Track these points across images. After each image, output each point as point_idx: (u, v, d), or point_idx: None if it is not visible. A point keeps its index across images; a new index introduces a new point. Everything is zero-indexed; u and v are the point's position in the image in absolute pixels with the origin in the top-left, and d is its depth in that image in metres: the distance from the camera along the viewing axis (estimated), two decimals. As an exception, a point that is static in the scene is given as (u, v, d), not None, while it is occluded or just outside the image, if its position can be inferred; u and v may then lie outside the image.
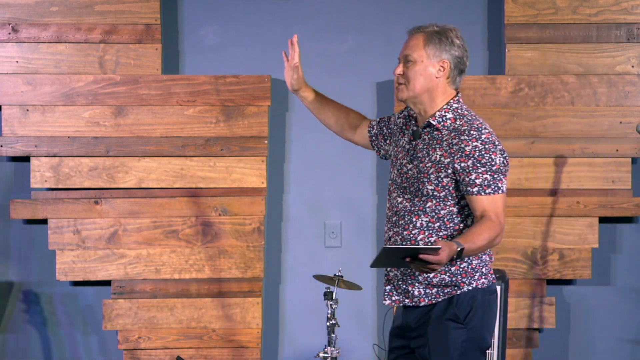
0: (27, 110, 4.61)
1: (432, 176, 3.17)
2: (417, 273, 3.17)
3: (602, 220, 4.69)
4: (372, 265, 3.05)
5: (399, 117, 3.39)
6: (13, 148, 4.61)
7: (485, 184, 3.13)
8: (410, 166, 3.22)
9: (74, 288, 4.71)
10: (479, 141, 3.14)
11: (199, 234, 4.64)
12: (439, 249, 2.90)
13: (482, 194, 3.13)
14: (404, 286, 3.22)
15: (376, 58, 4.70)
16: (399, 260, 2.95)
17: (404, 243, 3.18)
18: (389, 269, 3.25)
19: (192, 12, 4.73)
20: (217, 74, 4.65)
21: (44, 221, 4.64)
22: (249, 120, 4.64)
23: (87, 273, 4.63)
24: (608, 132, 4.64)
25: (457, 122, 3.20)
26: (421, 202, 3.19)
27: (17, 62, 4.62)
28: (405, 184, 3.22)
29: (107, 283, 4.66)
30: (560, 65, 4.66)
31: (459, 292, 3.20)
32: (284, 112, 4.72)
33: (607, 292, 4.76)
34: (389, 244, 3.22)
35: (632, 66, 4.64)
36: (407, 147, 3.26)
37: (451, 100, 3.24)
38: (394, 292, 3.27)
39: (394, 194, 3.25)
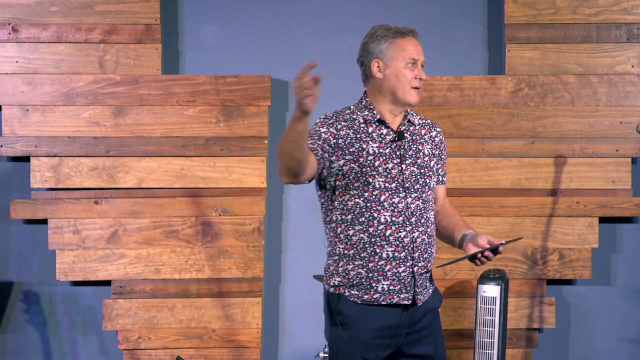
0: (27, 110, 4.61)
1: (434, 169, 3.28)
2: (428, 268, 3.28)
3: (602, 220, 4.69)
4: (440, 265, 3.27)
5: (340, 129, 3.15)
6: (13, 148, 4.61)
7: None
8: (403, 166, 3.19)
9: (74, 288, 4.71)
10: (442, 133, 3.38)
11: (199, 234, 4.64)
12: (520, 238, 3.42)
13: (446, 181, 3.40)
14: (423, 282, 3.26)
15: (376, 58, 4.69)
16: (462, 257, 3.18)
17: (430, 240, 3.25)
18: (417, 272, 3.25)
19: (192, 12, 4.73)
20: (217, 74, 4.65)
21: (44, 221, 4.65)
22: (249, 120, 4.64)
23: (87, 273, 4.63)
24: (608, 132, 4.64)
25: (418, 116, 3.34)
26: (427, 197, 3.25)
27: (17, 62, 4.62)
28: (407, 185, 3.19)
29: (107, 283, 4.67)
30: (560, 65, 4.66)
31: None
32: (284, 112, 4.72)
33: (607, 292, 4.76)
34: (417, 244, 3.21)
35: (632, 66, 4.64)
36: (387, 150, 3.18)
37: None
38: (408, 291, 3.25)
39: (396, 198, 3.16)
